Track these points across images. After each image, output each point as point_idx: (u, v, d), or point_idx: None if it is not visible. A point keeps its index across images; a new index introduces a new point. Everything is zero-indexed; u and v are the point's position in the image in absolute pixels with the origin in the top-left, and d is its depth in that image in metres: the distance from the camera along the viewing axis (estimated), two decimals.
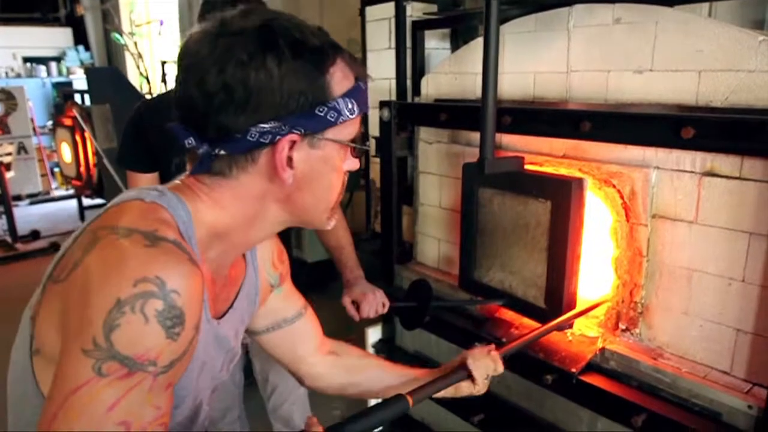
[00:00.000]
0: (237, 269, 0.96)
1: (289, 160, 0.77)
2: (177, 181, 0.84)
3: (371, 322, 2.44)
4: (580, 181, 1.68)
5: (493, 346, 1.26)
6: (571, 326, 1.75)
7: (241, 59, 0.72)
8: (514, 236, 1.89)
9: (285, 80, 0.73)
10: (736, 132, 1.37)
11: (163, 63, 5.72)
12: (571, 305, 1.76)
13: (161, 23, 8.36)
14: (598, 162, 1.73)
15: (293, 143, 0.76)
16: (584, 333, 1.78)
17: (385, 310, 1.91)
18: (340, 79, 0.79)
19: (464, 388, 1.20)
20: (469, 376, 1.17)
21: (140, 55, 7.60)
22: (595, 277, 1.81)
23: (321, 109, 0.77)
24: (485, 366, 1.19)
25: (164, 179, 1.94)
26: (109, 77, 4.65)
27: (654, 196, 1.61)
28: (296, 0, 6.78)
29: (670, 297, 1.62)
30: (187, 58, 0.76)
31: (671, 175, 1.56)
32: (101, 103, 4.34)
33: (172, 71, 8.33)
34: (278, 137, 0.75)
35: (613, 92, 1.70)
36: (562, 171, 1.81)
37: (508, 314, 1.98)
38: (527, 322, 1.90)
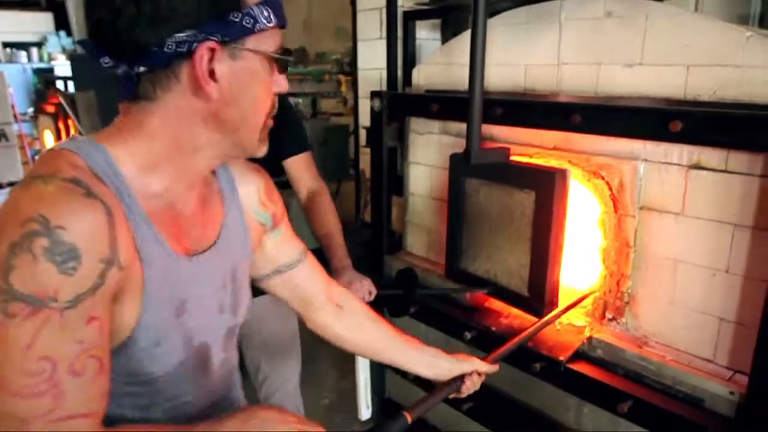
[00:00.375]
0: (211, 208, 0.95)
1: (212, 72, 0.76)
2: (105, 128, 0.84)
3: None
4: (563, 172, 1.71)
5: (488, 359, 1.40)
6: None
7: None
8: (499, 226, 1.92)
9: None
10: (723, 126, 1.40)
11: None
12: (554, 294, 1.79)
13: None
14: (588, 154, 1.75)
15: (212, 52, 0.75)
16: (572, 322, 1.82)
17: (372, 297, 1.93)
18: None
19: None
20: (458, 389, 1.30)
21: None
22: (583, 267, 1.84)
23: (235, 15, 0.75)
24: (474, 384, 1.33)
25: None
26: (90, 63, 4.56)
27: (642, 188, 1.64)
28: None
29: (656, 287, 1.65)
30: None
31: (659, 167, 1.59)
32: (86, 91, 4.27)
33: None
34: (195, 44, 0.74)
35: (603, 85, 1.73)
36: (549, 162, 1.84)
37: (497, 304, 2.01)
38: (515, 311, 1.93)
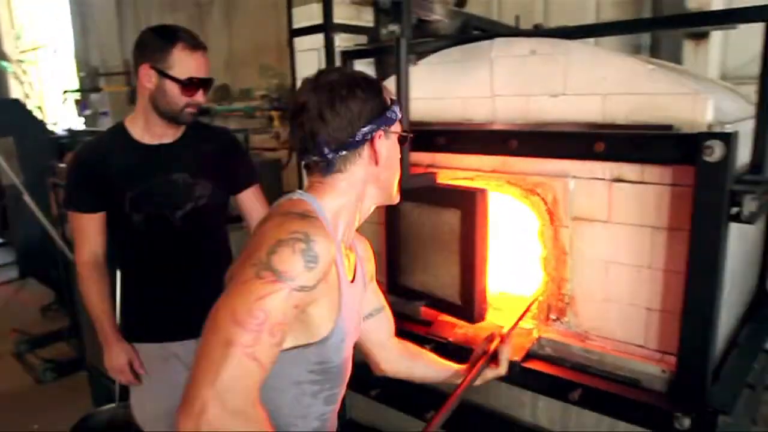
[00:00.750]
0: (352, 253, 1.33)
1: (378, 147, 1.20)
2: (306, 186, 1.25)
3: None
4: (483, 192, 1.92)
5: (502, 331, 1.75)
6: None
7: (341, 95, 1.15)
8: (432, 243, 2.11)
9: (367, 99, 1.17)
10: (637, 145, 1.67)
11: (66, 93, 5.46)
12: (482, 301, 2.01)
13: (54, 51, 7.99)
14: (524, 174, 1.98)
15: (380, 135, 1.19)
16: (521, 326, 2.01)
17: None
18: (389, 94, 1.25)
19: (489, 374, 1.70)
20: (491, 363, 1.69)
21: (30, 84, 7.23)
22: (529, 275, 2.05)
23: (389, 112, 1.20)
24: (507, 351, 1.69)
25: (113, 215, 1.97)
26: (11, 109, 4.41)
27: (573, 202, 1.88)
28: (201, 24, 6.77)
29: (592, 287, 1.89)
30: (301, 108, 1.16)
31: (586, 182, 1.84)
32: (3, 137, 4.12)
33: (72, 100, 7.94)
34: (373, 134, 1.18)
35: (533, 113, 1.97)
36: (473, 183, 2.05)
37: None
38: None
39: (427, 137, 2.12)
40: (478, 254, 1.96)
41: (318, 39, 2.71)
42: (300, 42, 2.82)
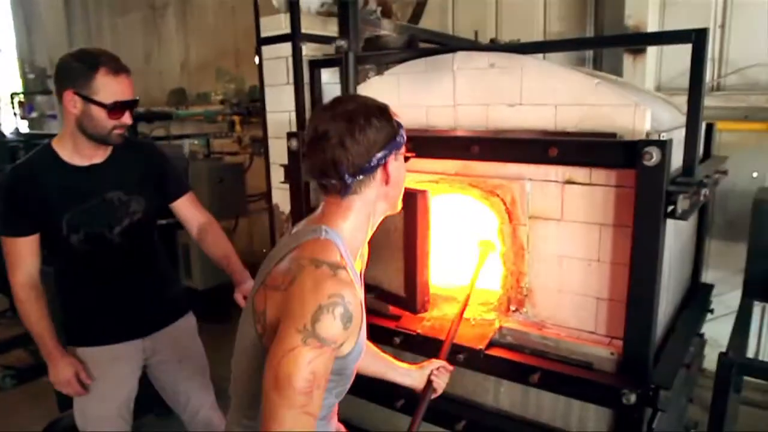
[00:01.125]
0: (360, 260, 1.47)
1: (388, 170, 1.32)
2: (319, 213, 1.36)
3: None
4: (423, 193, 2.07)
5: (440, 362, 1.86)
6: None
7: (360, 124, 1.25)
8: (381, 240, 2.23)
9: (382, 127, 1.28)
10: (586, 150, 1.86)
11: (13, 95, 5.32)
12: (425, 293, 2.14)
13: None
14: (485, 177, 2.15)
15: (393, 159, 1.31)
16: (484, 317, 2.18)
17: None
18: (398, 120, 1.35)
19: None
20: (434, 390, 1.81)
21: None
22: (492, 269, 2.22)
23: (399, 137, 1.32)
24: (441, 380, 1.82)
25: (50, 237, 1.99)
26: None
27: (529, 202, 2.06)
28: (156, 27, 6.71)
29: (547, 280, 2.07)
30: (322, 136, 1.25)
31: (541, 184, 2.02)
32: None
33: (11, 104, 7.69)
34: (387, 158, 1.29)
35: (492, 121, 2.14)
36: (437, 186, 2.21)
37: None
38: (435, 315, 2.26)
39: None
40: (420, 250, 2.10)
41: (285, 48, 2.82)
42: (267, 51, 2.91)
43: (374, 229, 1.42)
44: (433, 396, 1.80)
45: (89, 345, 2.10)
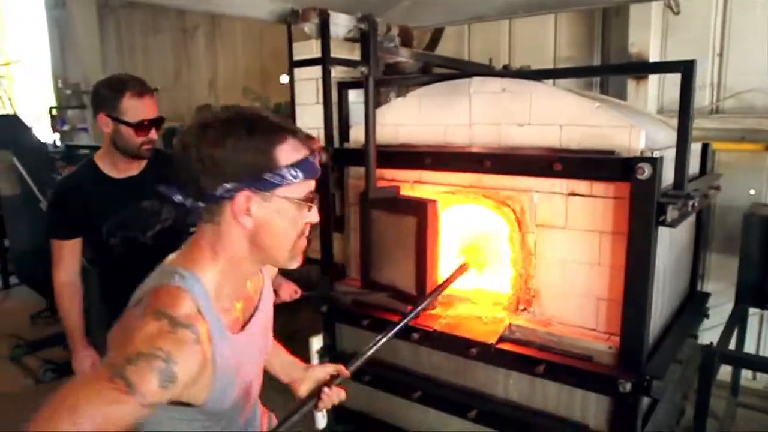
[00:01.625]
0: (254, 285, 1.30)
1: (248, 209, 1.08)
2: (187, 244, 1.18)
3: (314, 332, 2.91)
4: (433, 202, 2.32)
5: (338, 370, 1.68)
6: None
7: (210, 140, 1.05)
8: (395, 244, 2.51)
9: (240, 154, 1.05)
10: (587, 166, 2.10)
11: (51, 109, 5.65)
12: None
13: (29, 66, 8.15)
14: (497, 189, 2.39)
15: (249, 197, 1.07)
16: (495, 316, 2.41)
17: (298, 295, 2.47)
18: (289, 152, 1.10)
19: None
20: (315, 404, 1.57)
21: (9, 99, 7.39)
22: (502, 274, 2.46)
23: (268, 175, 1.07)
24: (330, 397, 1.59)
25: (90, 241, 2.24)
26: (10, 124, 4.62)
27: (537, 212, 2.29)
28: (186, 48, 7.06)
29: (553, 282, 2.30)
30: (182, 144, 1.09)
31: (548, 196, 2.26)
32: (3, 150, 4.33)
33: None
34: (235, 193, 1.07)
35: (504, 139, 2.39)
36: (453, 197, 2.48)
37: (439, 309, 2.55)
38: (457, 312, 2.49)
39: (415, 157, 2.53)
40: (429, 253, 2.36)
41: (316, 70, 3.11)
42: (299, 72, 3.19)
43: (251, 274, 1.23)
44: (314, 410, 1.57)
45: None
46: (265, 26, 6.05)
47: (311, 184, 1.15)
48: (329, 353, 2.93)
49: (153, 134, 2.17)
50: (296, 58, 3.18)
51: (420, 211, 2.36)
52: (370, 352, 1.84)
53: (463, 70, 3.28)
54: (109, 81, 2.15)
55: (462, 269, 2.41)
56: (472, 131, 2.49)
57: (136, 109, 2.10)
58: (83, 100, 7.75)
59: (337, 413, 2.96)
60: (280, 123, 1.12)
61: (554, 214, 2.25)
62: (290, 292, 2.49)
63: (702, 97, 3.53)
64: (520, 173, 2.29)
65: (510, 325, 2.35)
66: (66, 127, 8.38)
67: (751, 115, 3.44)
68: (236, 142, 1.05)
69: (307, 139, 1.15)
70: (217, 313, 1.12)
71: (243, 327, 1.23)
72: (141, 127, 2.11)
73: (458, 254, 2.57)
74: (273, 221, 1.11)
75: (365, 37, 2.46)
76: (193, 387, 1.06)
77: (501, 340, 2.32)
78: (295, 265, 1.18)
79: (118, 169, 2.21)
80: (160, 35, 7.44)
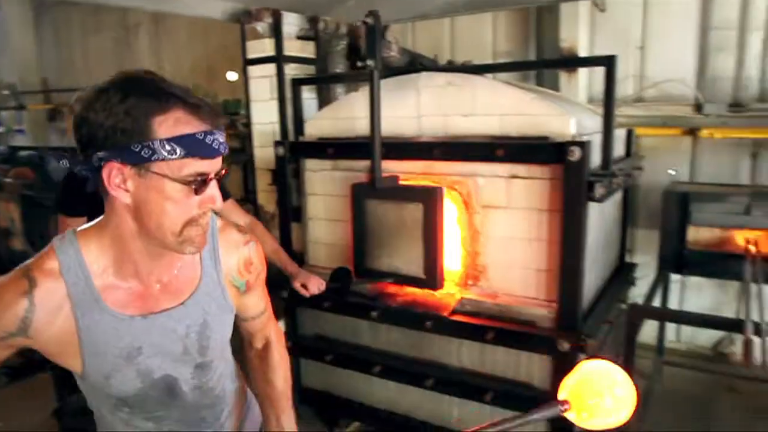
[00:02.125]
0: (188, 275, 1.22)
1: (124, 183, 1.02)
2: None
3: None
4: (440, 189, 2.53)
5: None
6: None
7: (87, 103, 0.99)
8: (397, 231, 2.68)
9: (109, 120, 0.97)
10: (525, 151, 2.34)
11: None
12: (442, 273, 2.59)
13: None
14: (445, 174, 2.60)
15: (120, 170, 1.00)
16: (447, 291, 2.63)
17: (323, 288, 2.59)
18: (170, 124, 0.98)
19: None
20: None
21: None
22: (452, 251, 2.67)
23: (136, 146, 0.97)
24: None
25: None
26: None
27: (482, 194, 2.52)
28: (128, 46, 6.96)
29: (498, 257, 2.53)
30: (70, 108, 1.15)
31: (491, 179, 2.48)
32: None
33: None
34: (104, 163, 0.99)
35: (450, 129, 2.60)
36: (424, 182, 2.65)
37: (392, 289, 2.75)
38: (410, 291, 2.69)
39: (369, 147, 2.70)
40: (439, 237, 2.55)
41: (269, 68, 3.24)
42: (253, 70, 3.31)
43: (150, 255, 1.13)
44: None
45: None
46: (210, 23, 6.07)
47: (203, 164, 1.02)
48: (290, 338, 3.08)
49: None
50: (249, 56, 3.31)
51: (428, 197, 2.51)
52: None
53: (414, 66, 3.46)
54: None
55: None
56: (421, 122, 2.69)
57: None
58: (21, 101, 7.53)
59: (300, 395, 3.12)
60: (171, 91, 1.00)
61: (497, 195, 2.48)
62: (317, 284, 2.64)
63: (626, 87, 3.87)
64: (466, 160, 2.51)
65: (461, 298, 2.57)
66: (1, 129, 8.12)
67: (670, 103, 3.80)
68: (108, 105, 0.97)
69: (207, 114, 1.02)
70: (91, 282, 1.09)
71: (149, 314, 1.17)
72: None
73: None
74: (151, 199, 1.02)
75: (371, 32, 2.46)
76: (40, 341, 1.08)
77: (454, 312, 2.54)
78: (188, 252, 1.11)
79: None
80: (100, 33, 7.31)
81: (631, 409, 0.96)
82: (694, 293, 3.90)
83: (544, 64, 3.24)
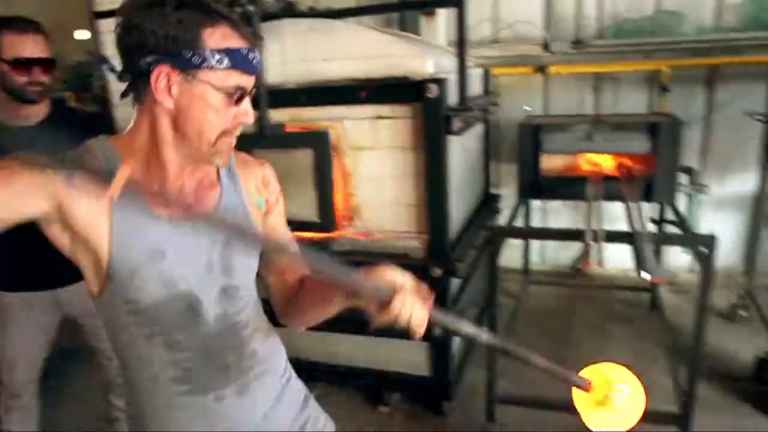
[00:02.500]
0: (209, 191, 1.21)
1: (170, 88, 1.03)
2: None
3: None
4: (327, 132, 2.57)
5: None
6: None
7: (139, 10, 1.01)
8: (288, 178, 2.69)
9: (163, 27, 1.00)
10: (387, 92, 2.44)
11: None
12: (335, 216, 2.67)
13: None
14: (314, 120, 2.65)
15: (168, 75, 1.02)
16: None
17: None
18: (218, 37, 1.03)
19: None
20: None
21: None
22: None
23: (188, 53, 1.01)
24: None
25: None
26: None
27: (350, 136, 2.60)
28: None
29: (370, 196, 2.65)
30: (117, 13, 1.06)
31: (358, 121, 2.57)
32: None
33: None
34: (154, 66, 1.02)
35: (315, 74, 2.63)
36: (311, 127, 2.68)
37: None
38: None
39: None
40: (330, 180, 2.60)
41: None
42: (104, 24, 3.10)
43: (181, 166, 1.13)
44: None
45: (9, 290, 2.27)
46: None
47: (243, 79, 1.07)
48: None
49: (39, 75, 2.07)
50: (98, 8, 3.09)
51: (317, 142, 2.53)
52: None
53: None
54: None
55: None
56: (286, 69, 2.69)
57: (12, 45, 2.01)
58: None
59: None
60: (219, 9, 1.05)
61: (364, 137, 2.58)
62: None
63: (483, 30, 4.09)
64: (332, 104, 2.57)
65: (339, 237, 2.68)
66: None
67: (522, 43, 4.07)
68: (162, 12, 1.00)
69: (249, 33, 1.07)
70: (124, 172, 1.03)
71: (178, 219, 1.14)
72: (18, 64, 2.02)
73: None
74: (194, 106, 1.06)
75: None
76: (78, 202, 1.04)
77: (332, 252, 2.64)
78: (219, 164, 1.15)
79: (11, 116, 2.11)
80: None
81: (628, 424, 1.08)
82: (553, 217, 4.32)
83: (397, 6, 3.37)
